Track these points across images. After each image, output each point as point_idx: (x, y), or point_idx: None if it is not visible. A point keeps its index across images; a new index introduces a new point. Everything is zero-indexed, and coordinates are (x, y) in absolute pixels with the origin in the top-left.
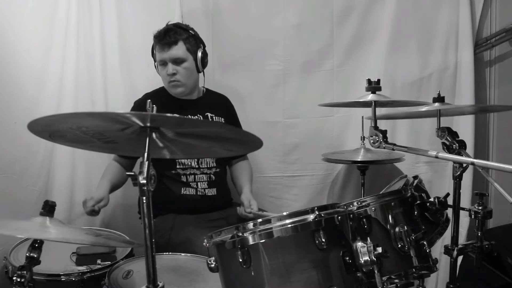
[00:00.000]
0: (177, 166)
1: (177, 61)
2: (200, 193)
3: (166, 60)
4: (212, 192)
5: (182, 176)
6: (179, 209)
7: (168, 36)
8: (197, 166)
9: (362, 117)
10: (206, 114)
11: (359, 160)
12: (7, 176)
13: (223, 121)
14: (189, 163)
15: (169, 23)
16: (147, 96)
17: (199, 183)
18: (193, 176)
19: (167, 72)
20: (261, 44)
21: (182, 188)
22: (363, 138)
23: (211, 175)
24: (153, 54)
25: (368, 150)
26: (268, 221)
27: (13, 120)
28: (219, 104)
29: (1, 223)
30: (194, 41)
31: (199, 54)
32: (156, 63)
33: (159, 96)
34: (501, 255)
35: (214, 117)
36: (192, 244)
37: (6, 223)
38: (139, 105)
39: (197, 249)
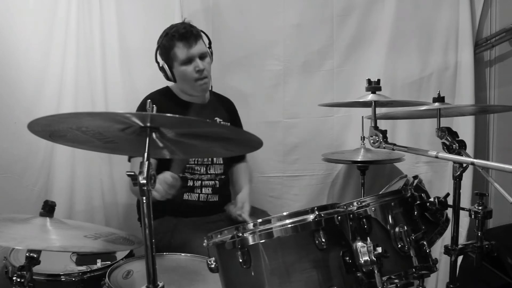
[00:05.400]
0: (185, 170)
1: (202, 57)
2: (202, 199)
3: (195, 56)
4: (214, 198)
5: (189, 180)
6: (178, 213)
7: (191, 31)
8: (204, 172)
9: (362, 117)
10: (215, 119)
11: (359, 160)
12: (7, 176)
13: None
14: (198, 169)
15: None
16: (151, 96)
17: (203, 189)
18: (200, 181)
19: (197, 67)
20: (261, 44)
21: (185, 194)
22: (363, 138)
23: (217, 182)
24: (167, 56)
25: (368, 150)
26: (268, 221)
27: (13, 120)
28: (225, 108)
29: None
30: (204, 37)
31: (209, 50)
32: (174, 64)
33: (166, 98)
34: (501, 255)
35: (221, 123)
36: (192, 247)
37: (4, 228)
38: (142, 106)
39: (196, 252)
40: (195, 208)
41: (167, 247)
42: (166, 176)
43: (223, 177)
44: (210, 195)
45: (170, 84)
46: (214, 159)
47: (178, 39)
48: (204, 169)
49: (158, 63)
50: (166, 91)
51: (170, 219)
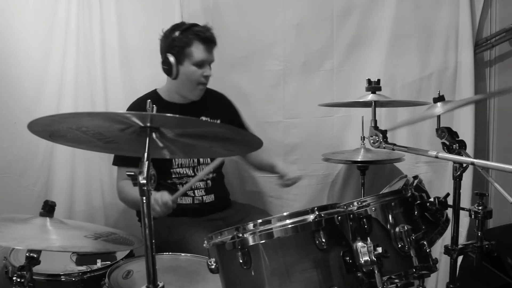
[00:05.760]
0: (173, 176)
1: (210, 64)
2: (197, 201)
3: (208, 62)
4: (210, 198)
5: (178, 185)
6: (175, 216)
7: (213, 37)
8: (193, 174)
9: (362, 117)
10: (200, 118)
11: (359, 160)
12: (7, 176)
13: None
14: (185, 172)
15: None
16: (140, 101)
17: (196, 191)
18: None
19: (206, 73)
20: (261, 44)
21: (179, 198)
22: (363, 138)
23: (208, 181)
24: (181, 51)
25: (368, 150)
26: (268, 221)
27: (13, 120)
28: (215, 105)
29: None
30: None
31: None
32: (185, 61)
33: (153, 101)
34: (501, 255)
35: (209, 120)
36: (189, 243)
37: (4, 228)
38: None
39: (195, 246)
40: (191, 211)
41: (165, 244)
42: (166, 199)
43: (214, 175)
44: (205, 196)
45: (158, 87)
46: (201, 159)
47: (200, 40)
48: (192, 171)
49: (165, 54)
50: (152, 94)
51: (168, 218)
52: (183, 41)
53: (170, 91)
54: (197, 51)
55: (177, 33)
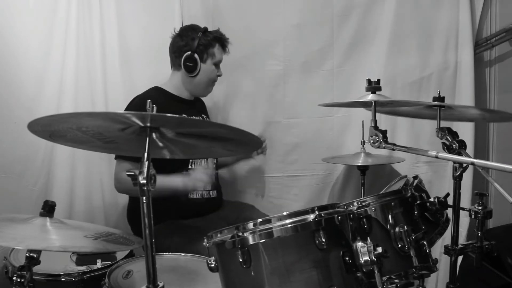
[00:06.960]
0: (189, 167)
1: None
2: (205, 196)
3: (220, 63)
4: (214, 194)
5: None
6: (183, 215)
7: (227, 41)
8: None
9: (362, 121)
10: (202, 115)
11: (359, 164)
12: (7, 176)
13: None
14: (199, 162)
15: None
16: (143, 96)
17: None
18: None
19: (219, 73)
20: (261, 44)
21: (190, 193)
22: (363, 143)
23: (213, 177)
24: (205, 51)
25: (368, 155)
26: (268, 221)
27: (13, 120)
28: (201, 103)
29: None
30: None
31: None
32: (208, 60)
33: (156, 97)
34: (501, 255)
35: (206, 118)
36: (193, 246)
37: (4, 228)
38: (139, 108)
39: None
40: (199, 206)
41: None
42: (202, 177)
43: (217, 171)
44: (210, 191)
45: (158, 84)
46: None
47: (219, 42)
48: (204, 161)
49: (184, 52)
50: (153, 90)
51: (168, 225)
52: (208, 42)
53: (179, 87)
54: (218, 52)
55: (199, 34)
